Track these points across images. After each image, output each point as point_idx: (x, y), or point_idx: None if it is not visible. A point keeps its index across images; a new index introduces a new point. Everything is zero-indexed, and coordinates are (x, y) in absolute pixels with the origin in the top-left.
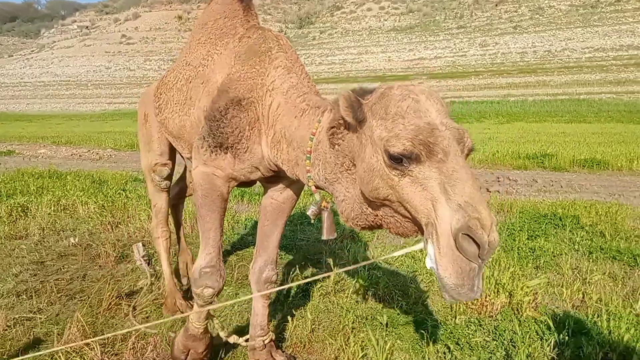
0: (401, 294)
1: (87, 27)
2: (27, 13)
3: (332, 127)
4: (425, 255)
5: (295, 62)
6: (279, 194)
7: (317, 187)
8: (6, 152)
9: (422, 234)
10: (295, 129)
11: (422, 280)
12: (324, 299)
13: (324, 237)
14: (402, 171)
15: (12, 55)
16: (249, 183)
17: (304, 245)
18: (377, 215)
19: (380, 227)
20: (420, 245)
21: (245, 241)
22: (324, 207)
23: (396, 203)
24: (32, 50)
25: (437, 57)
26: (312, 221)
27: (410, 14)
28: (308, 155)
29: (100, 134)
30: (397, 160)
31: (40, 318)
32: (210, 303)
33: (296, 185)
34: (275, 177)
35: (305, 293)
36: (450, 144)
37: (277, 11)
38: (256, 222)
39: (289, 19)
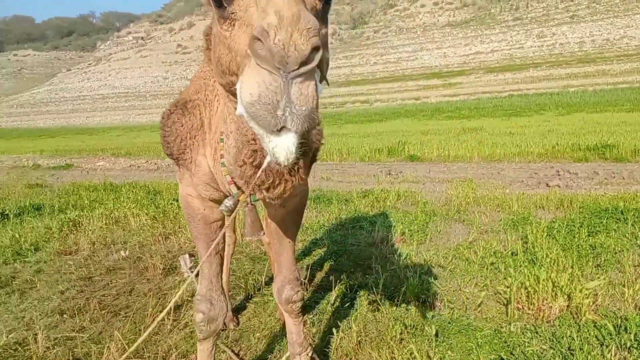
0: (453, 299)
1: (142, 37)
2: (83, 27)
3: (207, 36)
4: None
5: None
6: (274, 211)
7: (232, 177)
8: (64, 166)
9: None
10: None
11: (476, 284)
12: (371, 307)
13: (248, 236)
14: (228, 18)
15: (70, 69)
16: None
17: (354, 250)
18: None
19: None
20: None
21: (319, 244)
22: (244, 201)
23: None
24: (90, 64)
25: (494, 51)
26: (228, 219)
27: (465, 8)
28: (222, 137)
29: (159, 144)
30: (219, 3)
31: (82, 337)
32: (211, 338)
33: (293, 200)
34: None
35: (351, 301)
36: None
37: (329, 13)
38: (329, 229)
39: (342, 20)
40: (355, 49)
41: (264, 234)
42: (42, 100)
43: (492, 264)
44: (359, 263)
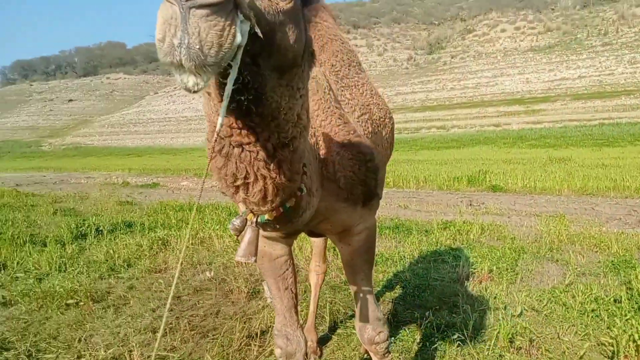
0: (551, 348)
1: None
2: None
3: None
4: None
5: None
6: (342, 248)
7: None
8: (151, 185)
9: None
10: None
11: (575, 332)
12: (461, 351)
13: (238, 257)
14: None
15: (157, 93)
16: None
17: (438, 286)
18: None
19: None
20: None
21: (400, 276)
22: (250, 220)
23: None
24: (175, 87)
25: (581, 77)
26: (236, 238)
27: (549, 32)
28: None
29: None
30: None
31: (173, 357)
32: None
33: (357, 237)
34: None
35: (439, 342)
36: None
37: (405, 38)
38: (409, 261)
39: (418, 46)
40: (431, 74)
41: (255, 260)
42: (131, 121)
43: (593, 310)
44: (444, 300)
